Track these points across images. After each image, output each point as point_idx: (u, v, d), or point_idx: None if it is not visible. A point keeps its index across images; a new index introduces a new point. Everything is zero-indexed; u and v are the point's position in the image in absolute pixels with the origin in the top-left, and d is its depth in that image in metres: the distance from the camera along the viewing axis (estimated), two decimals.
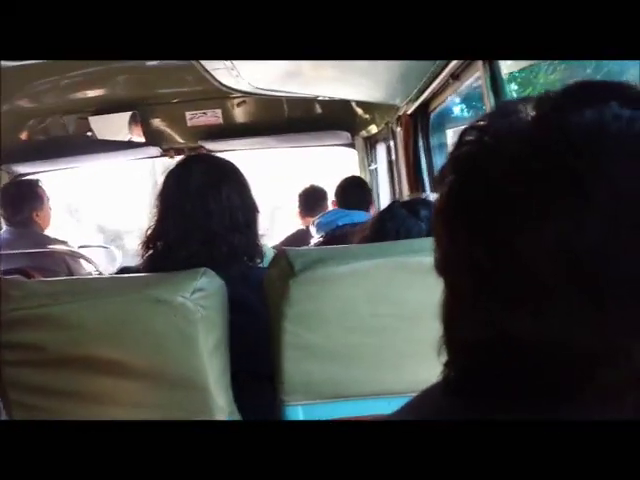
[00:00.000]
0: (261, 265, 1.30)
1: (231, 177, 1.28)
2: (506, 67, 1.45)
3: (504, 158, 0.38)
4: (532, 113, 0.39)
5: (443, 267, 0.42)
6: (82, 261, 2.56)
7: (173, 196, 1.25)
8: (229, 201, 1.24)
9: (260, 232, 1.31)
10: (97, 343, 1.03)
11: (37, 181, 2.68)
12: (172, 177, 1.28)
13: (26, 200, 2.52)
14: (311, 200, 3.08)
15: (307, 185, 3.21)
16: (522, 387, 0.38)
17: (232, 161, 1.35)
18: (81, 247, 2.90)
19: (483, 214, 0.38)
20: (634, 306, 0.35)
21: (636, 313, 0.35)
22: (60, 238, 2.56)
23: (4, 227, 2.56)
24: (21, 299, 1.02)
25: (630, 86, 0.40)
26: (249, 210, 1.28)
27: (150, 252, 1.26)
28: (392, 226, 1.27)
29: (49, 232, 2.61)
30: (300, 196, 3.14)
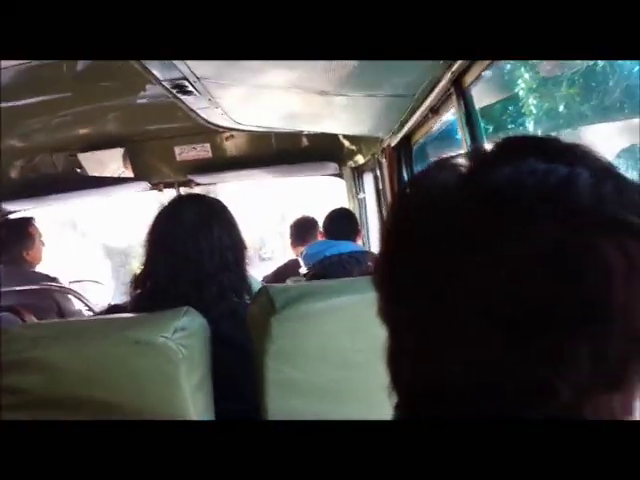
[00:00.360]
0: (249, 301, 1.31)
1: (221, 216, 1.30)
2: (478, 101, 1.49)
3: (428, 212, 0.40)
4: (461, 170, 0.41)
5: (382, 315, 0.44)
6: (72, 298, 2.56)
7: (164, 235, 1.26)
8: (220, 240, 1.25)
9: (249, 267, 1.33)
10: (80, 386, 1.04)
11: (30, 219, 2.68)
12: (163, 216, 1.29)
13: (16, 240, 2.53)
14: (302, 230, 3.10)
15: (298, 216, 3.24)
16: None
17: (221, 200, 1.37)
18: (72, 282, 2.90)
19: (414, 262, 0.40)
20: (548, 342, 0.37)
21: (550, 347, 0.37)
22: (51, 275, 2.57)
23: None
24: (3, 344, 1.03)
25: (552, 140, 0.42)
26: (238, 248, 1.29)
27: (139, 291, 1.26)
28: None
29: (41, 268, 2.62)
30: (291, 227, 3.17)
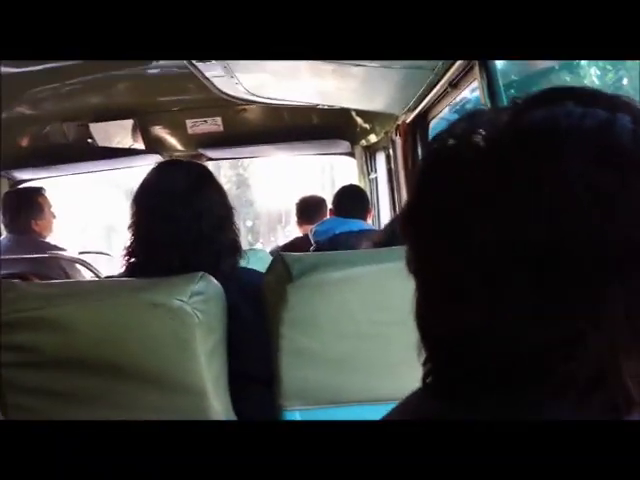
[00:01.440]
0: (247, 265, 1.33)
1: (210, 180, 1.32)
2: (502, 75, 1.45)
3: (462, 158, 0.40)
4: (495, 117, 0.41)
5: (411, 267, 0.43)
6: (81, 268, 2.55)
7: (159, 201, 1.25)
8: (213, 202, 1.28)
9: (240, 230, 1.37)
10: (91, 346, 1.03)
11: (39, 189, 2.67)
12: (153, 183, 1.29)
13: (25, 209, 2.52)
14: (308, 208, 3.08)
15: (305, 194, 3.22)
16: (487, 382, 0.40)
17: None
18: (81, 253, 2.89)
19: (443, 213, 0.40)
20: (585, 294, 0.36)
21: (587, 300, 0.36)
22: (60, 245, 2.56)
23: (4, 234, 2.56)
24: (15, 302, 1.02)
25: (591, 89, 0.41)
26: (229, 210, 1.33)
27: (133, 260, 1.26)
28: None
29: (51, 239, 2.61)
30: (297, 205, 3.15)
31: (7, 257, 2.24)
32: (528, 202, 0.37)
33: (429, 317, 0.43)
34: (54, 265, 2.43)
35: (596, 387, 0.37)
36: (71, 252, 2.61)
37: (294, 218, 3.17)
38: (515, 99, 0.42)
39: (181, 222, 1.23)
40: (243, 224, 9.67)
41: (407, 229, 0.44)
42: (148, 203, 1.26)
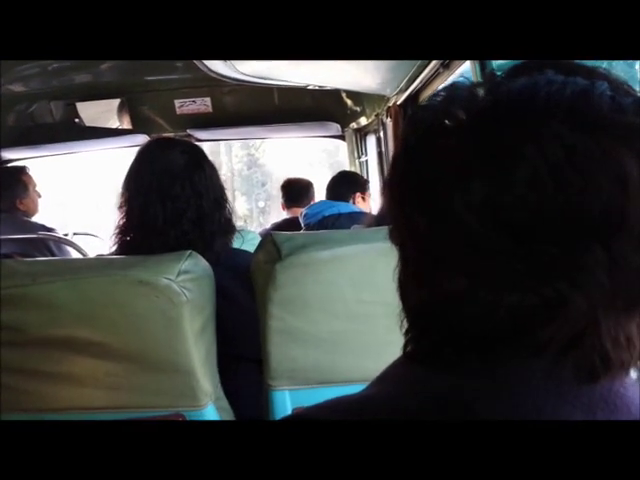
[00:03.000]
0: (239, 246, 1.33)
1: (206, 158, 1.31)
2: None
3: (442, 130, 0.40)
4: (475, 89, 0.41)
5: (394, 238, 0.44)
6: (70, 249, 2.53)
7: (154, 178, 1.23)
8: (212, 181, 1.28)
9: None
10: (77, 324, 1.01)
11: (23, 168, 2.64)
12: (148, 160, 1.26)
13: (7, 188, 2.49)
14: (293, 191, 3.08)
15: (290, 176, 3.21)
16: (467, 347, 0.40)
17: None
18: (76, 234, 2.87)
19: (421, 181, 0.40)
20: (566, 259, 0.37)
21: (568, 265, 0.37)
22: (47, 225, 2.53)
23: None
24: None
25: (570, 62, 0.42)
26: (224, 190, 1.33)
27: (127, 238, 1.24)
28: None
29: (37, 218, 2.58)
30: (283, 187, 3.14)
31: None
32: (508, 170, 0.37)
33: (411, 286, 0.43)
34: (41, 246, 2.40)
35: (572, 346, 0.38)
36: (59, 232, 2.58)
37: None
38: (493, 71, 0.43)
39: (180, 200, 1.22)
40: (255, 205, 9.64)
41: (389, 202, 0.44)
42: (144, 181, 1.23)
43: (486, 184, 0.37)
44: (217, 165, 1.34)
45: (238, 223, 1.38)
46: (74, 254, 2.48)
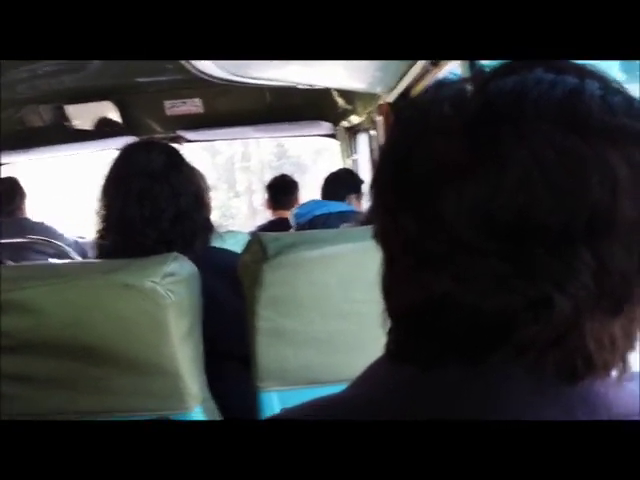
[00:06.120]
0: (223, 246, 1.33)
1: (184, 159, 1.32)
2: None
3: (429, 128, 0.39)
4: (463, 86, 0.40)
5: (379, 238, 0.43)
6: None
7: (132, 179, 1.23)
8: (190, 181, 1.29)
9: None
10: (63, 329, 1.00)
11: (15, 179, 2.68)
12: (125, 163, 1.27)
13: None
14: (278, 191, 3.07)
15: (277, 175, 3.21)
16: (450, 347, 0.40)
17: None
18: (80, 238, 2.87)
19: (408, 181, 0.40)
20: (553, 261, 0.36)
21: (555, 267, 0.36)
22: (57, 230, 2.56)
23: None
24: None
25: (560, 60, 0.41)
26: (204, 190, 1.34)
27: (108, 240, 1.24)
28: None
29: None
30: (268, 187, 3.13)
31: None
32: (498, 172, 0.36)
33: (396, 287, 0.43)
34: (30, 250, 2.39)
35: (555, 347, 0.38)
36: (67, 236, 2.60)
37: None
38: (482, 68, 0.42)
39: (159, 200, 1.22)
40: None
41: (375, 202, 0.43)
42: (122, 182, 1.24)
43: (475, 186, 0.37)
44: (247, 156, 1.38)
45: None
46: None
